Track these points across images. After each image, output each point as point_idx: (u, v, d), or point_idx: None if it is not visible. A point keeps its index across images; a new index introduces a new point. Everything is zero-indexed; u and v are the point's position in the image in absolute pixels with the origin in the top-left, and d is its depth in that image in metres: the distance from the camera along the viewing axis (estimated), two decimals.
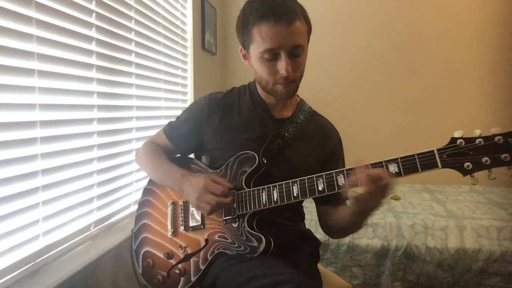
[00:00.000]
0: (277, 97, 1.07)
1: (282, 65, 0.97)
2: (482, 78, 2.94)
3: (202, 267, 1.03)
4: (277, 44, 0.96)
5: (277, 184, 0.97)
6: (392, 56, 3.03)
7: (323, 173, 0.92)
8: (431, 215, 2.15)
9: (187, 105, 2.21)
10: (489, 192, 2.66)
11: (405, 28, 3.00)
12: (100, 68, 1.28)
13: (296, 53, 0.99)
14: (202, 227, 1.08)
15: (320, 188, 0.91)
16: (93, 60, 1.24)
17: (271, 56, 0.98)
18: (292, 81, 1.02)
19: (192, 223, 1.10)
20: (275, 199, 0.97)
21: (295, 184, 0.95)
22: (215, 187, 0.99)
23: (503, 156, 0.74)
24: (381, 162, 0.85)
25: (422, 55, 3.00)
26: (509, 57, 2.89)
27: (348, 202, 1.10)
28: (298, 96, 1.19)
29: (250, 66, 1.08)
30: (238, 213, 1.02)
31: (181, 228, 1.11)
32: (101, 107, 1.30)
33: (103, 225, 1.36)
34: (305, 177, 0.94)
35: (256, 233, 0.98)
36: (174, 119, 1.23)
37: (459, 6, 2.94)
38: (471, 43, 2.94)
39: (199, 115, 1.14)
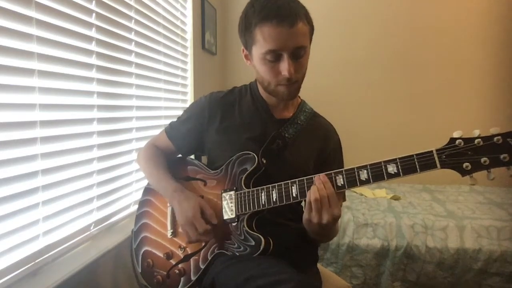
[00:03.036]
0: (279, 98, 1.07)
1: (284, 67, 0.97)
2: (482, 78, 2.94)
3: (202, 266, 1.03)
4: (279, 46, 0.96)
5: (276, 184, 0.97)
6: (391, 56, 3.03)
7: (321, 174, 0.92)
8: (431, 215, 2.15)
9: (187, 105, 2.21)
10: (489, 192, 2.66)
11: (405, 28, 3.00)
12: (100, 68, 1.29)
13: (298, 54, 0.99)
14: None
15: None
16: (93, 60, 1.24)
17: (274, 57, 0.98)
18: (294, 82, 1.02)
19: None
20: (274, 200, 0.97)
21: (294, 185, 0.95)
22: (200, 224, 1.00)
23: (502, 156, 0.74)
24: (379, 163, 0.85)
25: (422, 55, 3.00)
26: (509, 57, 2.89)
27: None
28: (299, 97, 1.19)
29: (252, 66, 1.08)
30: (237, 214, 1.02)
31: (181, 228, 1.11)
32: (101, 107, 1.30)
33: (103, 225, 1.36)
34: (304, 178, 0.94)
35: (255, 233, 0.98)
36: (175, 119, 1.23)
37: (459, 6, 2.94)
38: (471, 42, 2.94)
39: (200, 115, 1.14)
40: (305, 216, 0.93)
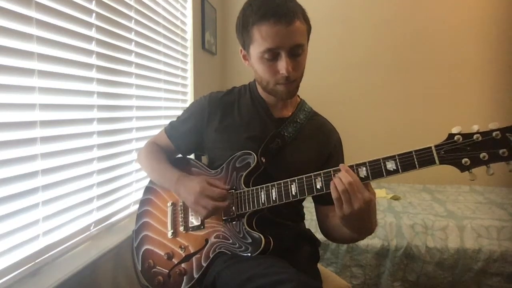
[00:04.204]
0: (278, 97, 1.07)
1: (282, 65, 0.98)
2: (480, 75, 2.95)
3: (204, 264, 1.03)
4: (277, 44, 0.96)
5: (275, 183, 0.97)
6: (391, 55, 3.04)
7: (321, 171, 0.91)
8: (431, 215, 2.15)
9: (187, 105, 2.21)
10: (489, 192, 2.66)
11: (404, 26, 3.01)
12: (100, 68, 1.29)
13: (296, 53, 0.99)
14: (202, 227, 1.08)
15: (318, 187, 0.91)
16: (93, 60, 1.25)
17: (272, 56, 0.98)
18: (293, 81, 1.02)
19: (191, 223, 1.10)
20: (273, 198, 0.97)
21: (294, 183, 0.95)
22: (212, 190, 0.99)
23: (501, 151, 0.73)
24: (378, 160, 0.85)
25: (421, 53, 3.00)
26: (508, 54, 2.89)
27: None
28: (299, 96, 1.19)
29: (251, 66, 1.08)
30: (237, 213, 1.02)
31: (181, 228, 1.11)
32: (101, 107, 1.30)
33: (103, 225, 1.36)
34: (303, 176, 0.94)
35: (255, 232, 0.98)
36: (174, 119, 1.23)
37: (458, 5, 2.95)
38: (470, 41, 2.94)
39: (200, 114, 1.14)
40: (338, 214, 0.87)
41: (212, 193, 0.99)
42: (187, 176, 1.08)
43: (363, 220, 0.88)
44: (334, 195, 0.85)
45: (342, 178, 0.84)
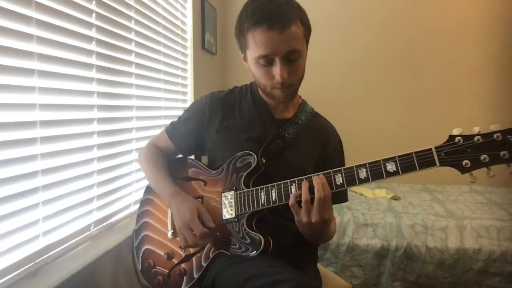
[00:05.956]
0: (276, 101, 1.07)
1: (277, 71, 0.97)
2: (481, 76, 2.95)
3: (204, 264, 1.03)
4: (270, 51, 0.95)
5: (275, 184, 0.97)
6: (391, 55, 3.04)
7: (320, 173, 0.92)
8: (431, 215, 2.15)
9: (187, 105, 2.21)
10: (489, 192, 2.66)
11: (404, 26, 3.01)
12: (100, 68, 1.29)
13: (292, 58, 0.98)
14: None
15: None
16: (93, 60, 1.25)
17: (266, 61, 0.98)
18: (289, 86, 1.02)
19: None
20: (273, 199, 0.97)
21: (294, 184, 0.95)
22: (197, 227, 0.97)
23: (502, 153, 0.73)
24: (378, 161, 0.85)
25: (422, 54, 3.00)
26: (509, 55, 2.89)
27: None
28: (300, 97, 1.19)
29: (249, 69, 1.08)
30: (237, 213, 1.02)
31: (178, 232, 1.11)
32: (101, 107, 1.30)
33: (103, 225, 1.36)
34: (303, 177, 0.94)
35: (255, 233, 0.98)
36: (175, 119, 1.23)
37: (459, 5, 2.94)
38: (471, 41, 2.94)
39: (201, 114, 1.14)
40: (296, 219, 0.94)
41: (196, 230, 0.97)
42: (180, 194, 1.06)
43: (315, 230, 0.95)
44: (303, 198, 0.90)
45: (316, 190, 0.89)
